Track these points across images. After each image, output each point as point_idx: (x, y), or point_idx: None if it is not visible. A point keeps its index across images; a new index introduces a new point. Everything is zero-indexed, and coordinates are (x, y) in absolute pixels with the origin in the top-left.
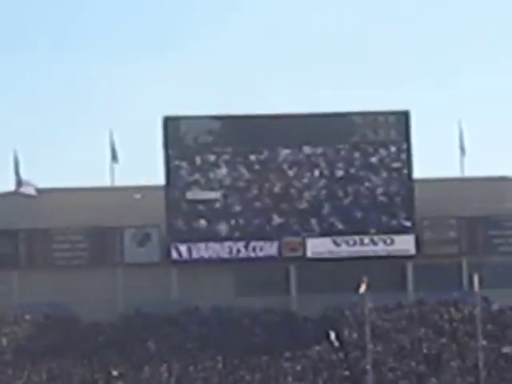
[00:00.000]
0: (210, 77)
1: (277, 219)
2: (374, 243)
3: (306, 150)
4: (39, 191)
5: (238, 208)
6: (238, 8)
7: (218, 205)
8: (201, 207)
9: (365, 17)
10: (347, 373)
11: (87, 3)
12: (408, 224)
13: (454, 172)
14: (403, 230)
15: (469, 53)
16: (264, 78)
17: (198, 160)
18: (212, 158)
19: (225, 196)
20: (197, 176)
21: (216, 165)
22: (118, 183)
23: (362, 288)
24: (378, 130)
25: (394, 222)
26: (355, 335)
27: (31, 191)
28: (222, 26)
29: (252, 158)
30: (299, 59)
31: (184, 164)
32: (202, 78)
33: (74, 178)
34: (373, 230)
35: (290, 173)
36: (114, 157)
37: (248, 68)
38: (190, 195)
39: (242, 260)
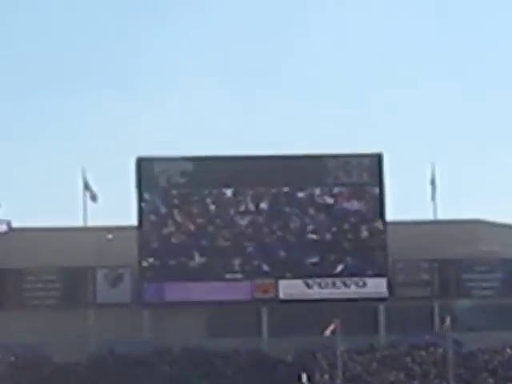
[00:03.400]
0: (185, 118)
1: (249, 260)
2: (346, 285)
3: (279, 191)
4: (12, 230)
5: (210, 249)
6: (214, 48)
7: (190, 246)
8: (173, 248)
9: (337, 57)
10: None
11: (61, 40)
12: (381, 267)
13: (427, 215)
14: (376, 273)
15: (442, 94)
16: (236, 119)
17: (171, 201)
18: (184, 199)
19: (197, 236)
20: (169, 217)
21: (189, 205)
22: (91, 223)
23: (328, 330)
24: (351, 173)
25: (366, 265)
26: (327, 377)
27: (3, 228)
28: (198, 67)
29: (225, 199)
30: (272, 100)
31: (156, 205)
32: (176, 119)
33: (47, 217)
34: (345, 272)
35: (262, 214)
36: (93, 197)
37: (222, 109)
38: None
39: (214, 301)
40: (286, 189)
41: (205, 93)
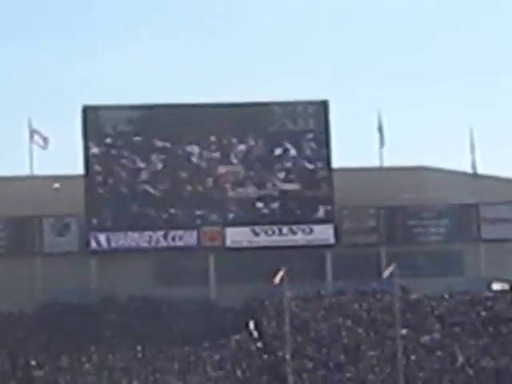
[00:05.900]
0: (133, 66)
1: (195, 209)
2: (293, 233)
3: (225, 139)
4: None
5: (156, 198)
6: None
7: (137, 195)
8: (120, 197)
9: (282, 5)
10: (266, 362)
11: None
12: (327, 213)
13: (373, 162)
14: (322, 220)
15: (387, 40)
16: (184, 68)
17: (117, 149)
18: (130, 147)
19: (143, 186)
20: (115, 166)
21: (134, 154)
22: (38, 172)
23: (277, 278)
24: (296, 120)
25: (313, 212)
26: (274, 325)
27: None
28: (143, 19)
29: (170, 147)
30: (220, 49)
31: (103, 153)
32: (125, 68)
33: None
34: (292, 220)
35: (207, 162)
36: (45, 140)
37: (169, 58)
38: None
39: (161, 249)
40: (232, 138)
41: (153, 41)
